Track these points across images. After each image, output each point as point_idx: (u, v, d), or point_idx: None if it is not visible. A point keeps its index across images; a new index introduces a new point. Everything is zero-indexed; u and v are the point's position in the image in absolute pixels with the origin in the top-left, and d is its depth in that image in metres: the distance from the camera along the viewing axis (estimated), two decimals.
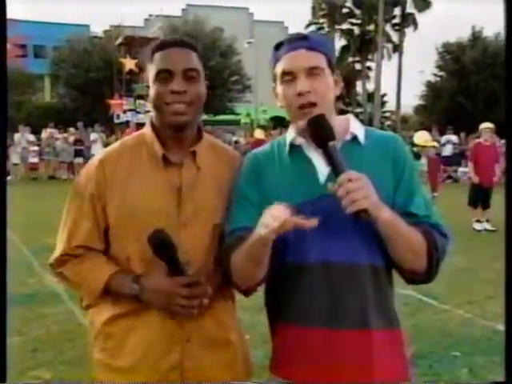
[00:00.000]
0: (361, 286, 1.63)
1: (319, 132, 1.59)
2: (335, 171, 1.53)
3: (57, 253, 1.77)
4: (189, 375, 1.69)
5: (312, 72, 1.63)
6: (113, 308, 1.74)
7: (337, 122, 1.69)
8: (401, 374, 1.70)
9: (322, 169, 1.64)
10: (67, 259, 1.76)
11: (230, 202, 1.75)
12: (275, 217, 1.46)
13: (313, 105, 1.62)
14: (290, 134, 1.73)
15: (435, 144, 11.25)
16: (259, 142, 17.56)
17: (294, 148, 1.71)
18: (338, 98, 1.75)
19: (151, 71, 1.71)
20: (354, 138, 1.69)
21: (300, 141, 1.70)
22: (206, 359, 1.72)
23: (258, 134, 18.43)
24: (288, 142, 1.72)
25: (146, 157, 1.74)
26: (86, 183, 1.74)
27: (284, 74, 1.66)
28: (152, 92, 1.70)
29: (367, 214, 1.49)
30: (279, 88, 1.69)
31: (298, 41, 1.67)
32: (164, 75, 1.67)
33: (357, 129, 1.71)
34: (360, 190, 1.47)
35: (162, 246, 1.63)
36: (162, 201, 1.69)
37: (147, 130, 1.78)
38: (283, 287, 1.69)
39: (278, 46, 1.72)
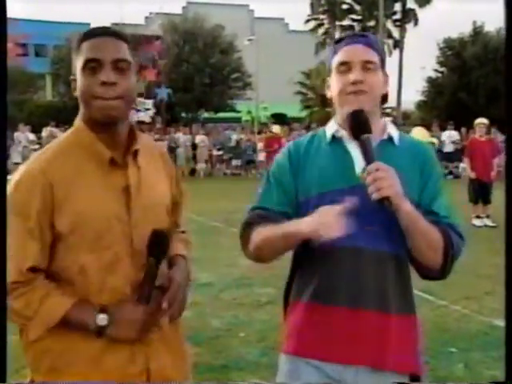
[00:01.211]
0: (384, 273, 1.76)
1: (357, 124, 1.73)
2: (366, 161, 1.68)
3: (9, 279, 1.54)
4: (153, 376, 1.66)
5: (366, 65, 1.77)
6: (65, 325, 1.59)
7: (377, 121, 1.83)
8: (413, 357, 1.81)
9: (360, 161, 1.76)
10: (15, 287, 1.55)
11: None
12: (328, 226, 1.59)
13: (363, 93, 1.75)
14: (332, 126, 1.86)
15: (433, 140, 11.24)
16: (274, 138, 17.37)
17: (335, 139, 1.84)
18: (383, 100, 1.86)
19: (78, 61, 1.59)
20: (390, 139, 1.84)
21: (341, 133, 1.83)
22: (166, 359, 1.70)
23: (276, 129, 18.62)
24: (330, 133, 1.85)
25: (87, 159, 1.61)
26: (28, 200, 1.55)
27: (341, 64, 1.79)
28: (79, 84, 1.58)
29: (389, 202, 1.63)
30: (334, 77, 1.82)
31: (357, 37, 1.83)
32: (92, 65, 1.55)
33: (393, 131, 1.86)
34: (385, 180, 1.62)
35: (161, 246, 1.61)
36: (112, 204, 1.61)
37: (81, 130, 1.64)
38: (310, 268, 1.83)
39: (337, 41, 1.86)
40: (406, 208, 1.66)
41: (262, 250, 1.81)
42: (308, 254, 1.81)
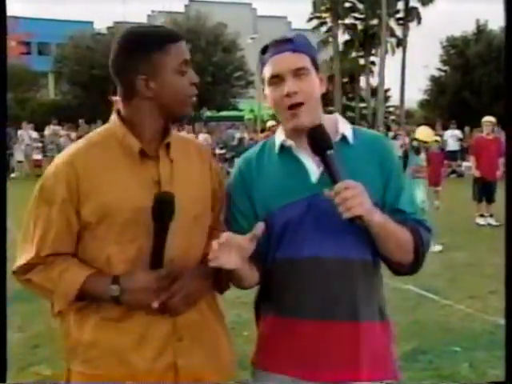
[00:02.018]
0: (351, 280, 1.70)
1: (318, 142, 1.65)
2: (332, 179, 1.60)
3: (22, 260, 1.65)
4: (182, 373, 1.67)
5: (298, 73, 1.69)
6: (94, 314, 1.65)
7: (326, 121, 1.75)
8: (388, 365, 1.77)
9: (313, 169, 1.72)
10: (32, 267, 1.65)
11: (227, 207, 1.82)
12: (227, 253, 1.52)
13: (300, 104, 1.68)
14: (280, 136, 1.79)
15: (438, 139, 11.20)
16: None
17: (284, 149, 1.77)
18: (324, 96, 1.81)
19: (170, 61, 1.64)
20: (343, 139, 1.75)
21: (289, 143, 1.76)
22: (197, 357, 1.70)
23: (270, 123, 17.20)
24: (278, 144, 1.78)
25: (118, 151, 1.66)
26: (54, 187, 1.62)
27: (272, 77, 1.72)
28: (169, 82, 1.64)
29: (361, 219, 1.57)
30: (267, 90, 1.76)
31: (283, 44, 1.73)
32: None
33: (345, 129, 1.77)
34: (355, 198, 1.54)
35: (165, 209, 1.58)
36: (141, 196, 1.62)
37: (115, 124, 1.69)
38: (275, 282, 1.76)
39: (263, 50, 1.77)
40: (377, 220, 1.60)
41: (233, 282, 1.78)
42: (272, 267, 1.75)
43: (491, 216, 9.99)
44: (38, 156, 20.25)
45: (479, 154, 10.17)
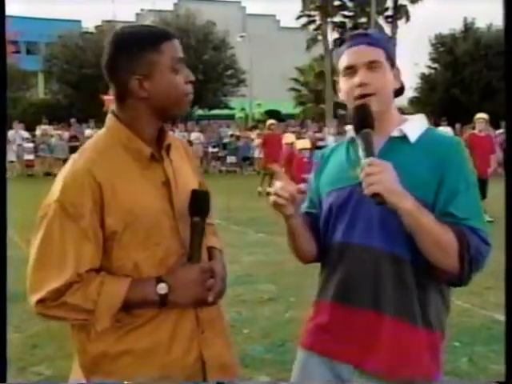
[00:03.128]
0: (374, 269, 1.72)
1: (358, 119, 1.70)
2: (366, 156, 1.63)
3: (53, 283, 1.53)
4: (209, 364, 1.69)
5: (372, 66, 1.74)
6: (119, 323, 1.60)
7: (393, 116, 1.81)
8: (404, 370, 1.70)
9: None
10: (68, 288, 1.54)
11: None
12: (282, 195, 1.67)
13: (371, 95, 1.73)
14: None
15: None
16: (273, 135, 14.82)
17: (352, 141, 1.85)
18: (399, 92, 1.85)
19: (163, 59, 1.62)
20: (404, 136, 1.77)
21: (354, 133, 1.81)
22: (218, 347, 1.73)
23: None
24: (348, 135, 1.91)
25: (125, 156, 1.63)
26: (80, 201, 1.55)
27: (346, 68, 1.78)
28: (166, 82, 1.63)
29: (381, 198, 1.55)
30: (341, 80, 1.81)
31: (360, 37, 1.79)
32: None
33: (410, 128, 1.78)
34: (375, 175, 1.55)
35: (204, 205, 1.68)
36: (156, 199, 1.64)
37: (116, 127, 1.66)
38: (321, 267, 1.90)
39: (341, 43, 1.84)
40: (405, 206, 1.56)
41: (290, 248, 1.90)
42: (322, 252, 1.86)
43: (485, 212, 10.04)
44: (29, 156, 20.14)
45: (472, 151, 10.19)
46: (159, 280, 1.59)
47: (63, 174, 1.61)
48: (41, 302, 1.55)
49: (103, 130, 1.71)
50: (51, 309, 1.56)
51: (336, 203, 1.79)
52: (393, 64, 1.80)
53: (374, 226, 1.71)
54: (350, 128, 1.90)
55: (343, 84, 1.80)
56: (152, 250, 1.62)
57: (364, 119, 1.68)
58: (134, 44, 1.61)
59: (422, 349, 1.72)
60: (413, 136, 1.76)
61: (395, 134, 1.77)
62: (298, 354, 1.92)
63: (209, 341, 1.70)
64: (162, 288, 1.58)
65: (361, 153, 1.66)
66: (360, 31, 1.84)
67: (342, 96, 1.83)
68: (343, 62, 1.79)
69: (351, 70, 1.76)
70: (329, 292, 1.80)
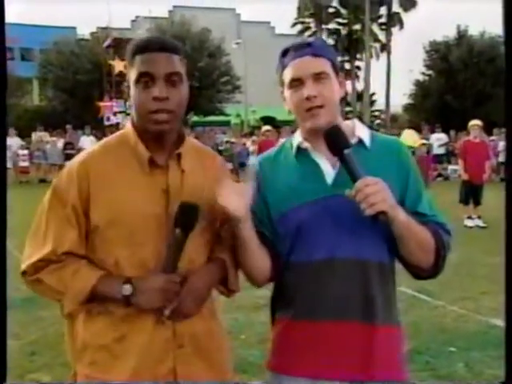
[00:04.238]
0: (367, 281, 1.71)
1: (335, 141, 1.66)
2: (352, 178, 1.61)
3: (33, 258, 1.65)
4: (181, 380, 1.68)
5: (318, 77, 1.72)
6: (103, 317, 1.67)
7: (343, 125, 1.78)
8: (399, 368, 1.79)
9: (329, 171, 1.75)
10: (44, 265, 1.65)
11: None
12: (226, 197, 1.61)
13: (320, 107, 1.71)
14: (297, 138, 1.82)
15: (425, 142, 11.32)
16: (268, 141, 14.86)
17: (301, 151, 1.80)
18: (342, 99, 1.83)
19: (132, 73, 1.66)
20: (360, 142, 1.77)
21: (306, 145, 1.79)
22: (196, 365, 1.71)
23: (266, 128, 16.05)
24: (295, 146, 1.81)
25: (129, 158, 1.68)
26: (67, 188, 1.65)
27: (292, 80, 1.74)
28: (133, 96, 1.65)
29: (385, 215, 1.57)
30: (287, 93, 1.78)
31: (303, 48, 1.75)
32: (145, 79, 1.62)
33: (362, 133, 1.79)
34: (378, 194, 1.56)
35: (188, 218, 1.62)
36: (150, 204, 1.65)
37: (129, 131, 1.72)
38: (289, 285, 1.78)
39: (284, 53, 1.80)
40: (401, 218, 1.61)
41: (240, 267, 1.79)
42: (287, 268, 1.77)
43: (479, 218, 10.10)
44: (24, 163, 20.09)
45: (466, 158, 10.28)
46: (127, 281, 1.62)
47: (71, 161, 1.75)
48: (23, 273, 1.68)
49: (121, 130, 1.79)
50: (30, 283, 1.68)
51: (308, 218, 1.71)
52: (337, 72, 1.78)
53: (357, 239, 1.70)
54: (296, 138, 1.83)
55: (290, 96, 1.76)
56: (133, 249, 1.64)
57: (340, 140, 1.66)
58: (127, 53, 1.68)
59: (402, 345, 1.82)
60: (367, 141, 1.78)
61: (354, 141, 1.75)
62: (269, 377, 1.83)
63: (186, 357, 1.68)
64: (127, 289, 1.61)
65: (326, 166, 1.73)
66: (303, 41, 1.79)
67: (289, 107, 1.79)
68: (288, 74, 1.75)
69: (297, 82, 1.73)
70: (310, 310, 1.72)
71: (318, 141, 1.74)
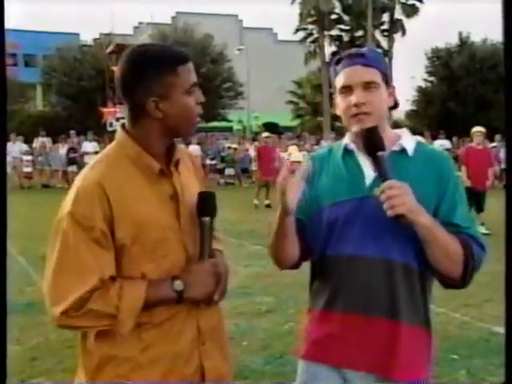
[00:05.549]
0: (391, 282, 1.80)
1: (371, 142, 1.76)
2: (381, 178, 1.71)
3: (77, 293, 1.55)
4: (208, 375, 1.72)
5: (367, 86, 1.82)
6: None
7: (389, 132, 1.89)
8: (420, 371, 1.84)
9: (369, 173, 1.83)
10: (90, 296, 1.56)
11: None
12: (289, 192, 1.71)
13: (366, 114, 1.81)
14: (346, 140, 1.94)
15: None
16: (266, 148, 15.24)
17: (347, 152, 1.91)
18: (393, 108, 1.94)
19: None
20: (403, 150, 1.86)
21: (352, 146, 1.90)
22: (217, 359, 1.76)
23: (265, 135, 16.25)
24: (342, 147, 1.93)
25: (133, 171, 1.67)
26: (91, 213, 1.58)
27: (342, 87, 1.86)
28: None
29: (404, 218, 1.66)
30: (338, 98, 1.89)
31: (356, 57, 1.86)
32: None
33: (406, 142, 1.89)
34: (398, 197, 1.65)
35: (212, 205, 1.73)
36: (164, 213, 1.68)
37: (126, 143, 1.70)
38: (321, 277, 1.91)
39: (338, 61, 1.91)
40: (423, 221, 1.68)
41: (271, 249, 1.90)
42: (321, 260, 1.89)
43: (482, 224, 10.08)
44: (28, 168, 20.14)
45: (469, 164, 10.27)
46: (174, 278, 1.65)
47: (75, 187, 1.64)
48: (64, 313, 1.55)
49: (114, 143, 1.75)
50: (74, 318, 1.57)
51: (342, 215, 1.82)
52: (387, 82, 1.87)
53: (385, 239, 1.78)
54: (345, 139, 1.93)
55: (340, 102, 1.88)
56: (158, 261, 1.66)
57: (376, 142, 1.75)
58: (151, 66, 1.63)
59: (428, 349, 1.87)
60: (410, 150, 1.87)
61: (396, 148, 1.85)
62: (300, 366, 1.95)
63: (209, 353, 1.74)
64: (178, 285, 1.64)
65: (368, 168, 1.81)
66: (356, 51, 1.89)
67: (338, 112, 1.91)
68: (340, 81, 1.87)
69: (347, 89, 1.83)
70: (338, 302, 1.84)
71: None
